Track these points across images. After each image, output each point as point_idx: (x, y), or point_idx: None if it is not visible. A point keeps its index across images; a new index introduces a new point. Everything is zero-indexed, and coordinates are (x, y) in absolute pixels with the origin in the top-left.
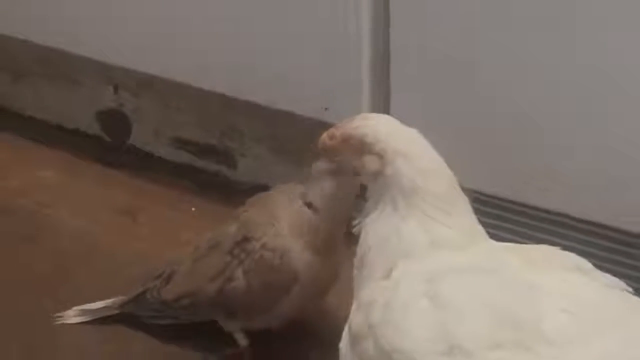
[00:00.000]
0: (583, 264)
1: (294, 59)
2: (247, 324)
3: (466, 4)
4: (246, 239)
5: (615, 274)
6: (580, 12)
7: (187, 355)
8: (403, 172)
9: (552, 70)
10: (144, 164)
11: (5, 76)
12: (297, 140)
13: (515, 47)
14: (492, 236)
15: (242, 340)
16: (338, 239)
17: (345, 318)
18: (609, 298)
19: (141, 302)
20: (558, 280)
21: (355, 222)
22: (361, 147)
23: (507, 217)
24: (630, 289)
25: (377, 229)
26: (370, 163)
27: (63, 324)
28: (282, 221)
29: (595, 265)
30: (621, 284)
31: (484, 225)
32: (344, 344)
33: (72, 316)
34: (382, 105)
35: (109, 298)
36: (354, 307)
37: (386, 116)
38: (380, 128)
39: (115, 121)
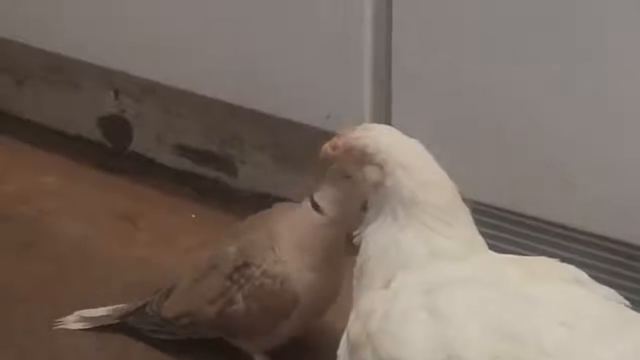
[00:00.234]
0: (581, 275)
1: (296, 67)
2: (249, 344)
3: (471, 11)
4: (246, 265)
5: (616, 286)
6: (585, 13)
7: None
8: (403, 184)
9: (554, 81)
10: (145, 170)
11: (6, 80)
12: (298, 148)
13: (519, 55)
14: (491, 246)
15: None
16: (340, 248)
17: (344, 328)
18: (608, 310)
19: (141, 315)
20: (557, 292)
21: (355, 232)
22: (362, 157)
23: (506, 228)
24: (628, 303)
25: (376, 239)
26: (371, 174)
27: (62, 330)
28: (282, 241)
29: (595, 277)
30: (619, 297)
31: (483, 235)
32: (342, 352)
33: (72, 321)
34: (383, 113)
35: (108, 304)
36: (352, 315)
37: (388, 127)
38: (382, 139)
39: (116, 127)
